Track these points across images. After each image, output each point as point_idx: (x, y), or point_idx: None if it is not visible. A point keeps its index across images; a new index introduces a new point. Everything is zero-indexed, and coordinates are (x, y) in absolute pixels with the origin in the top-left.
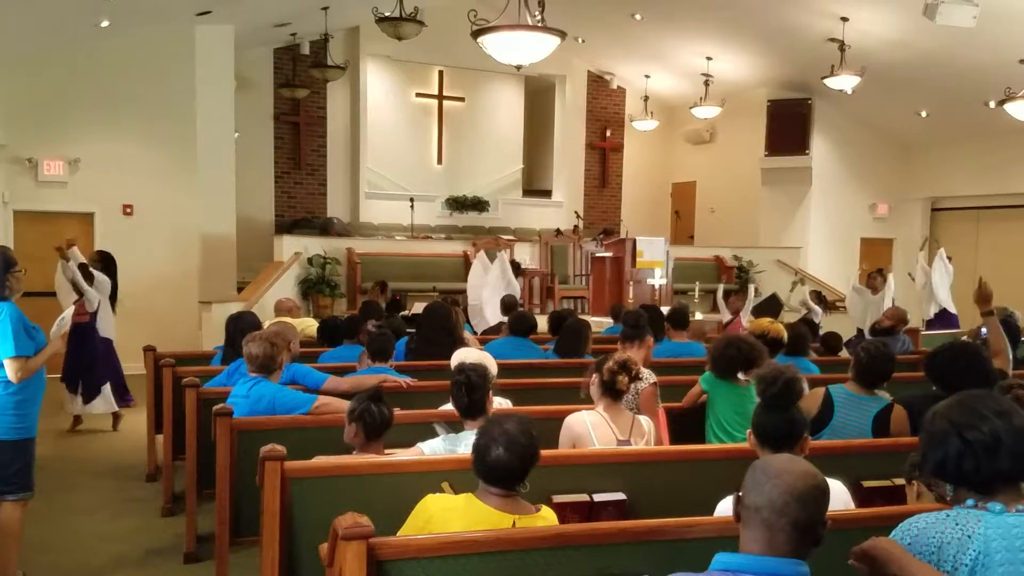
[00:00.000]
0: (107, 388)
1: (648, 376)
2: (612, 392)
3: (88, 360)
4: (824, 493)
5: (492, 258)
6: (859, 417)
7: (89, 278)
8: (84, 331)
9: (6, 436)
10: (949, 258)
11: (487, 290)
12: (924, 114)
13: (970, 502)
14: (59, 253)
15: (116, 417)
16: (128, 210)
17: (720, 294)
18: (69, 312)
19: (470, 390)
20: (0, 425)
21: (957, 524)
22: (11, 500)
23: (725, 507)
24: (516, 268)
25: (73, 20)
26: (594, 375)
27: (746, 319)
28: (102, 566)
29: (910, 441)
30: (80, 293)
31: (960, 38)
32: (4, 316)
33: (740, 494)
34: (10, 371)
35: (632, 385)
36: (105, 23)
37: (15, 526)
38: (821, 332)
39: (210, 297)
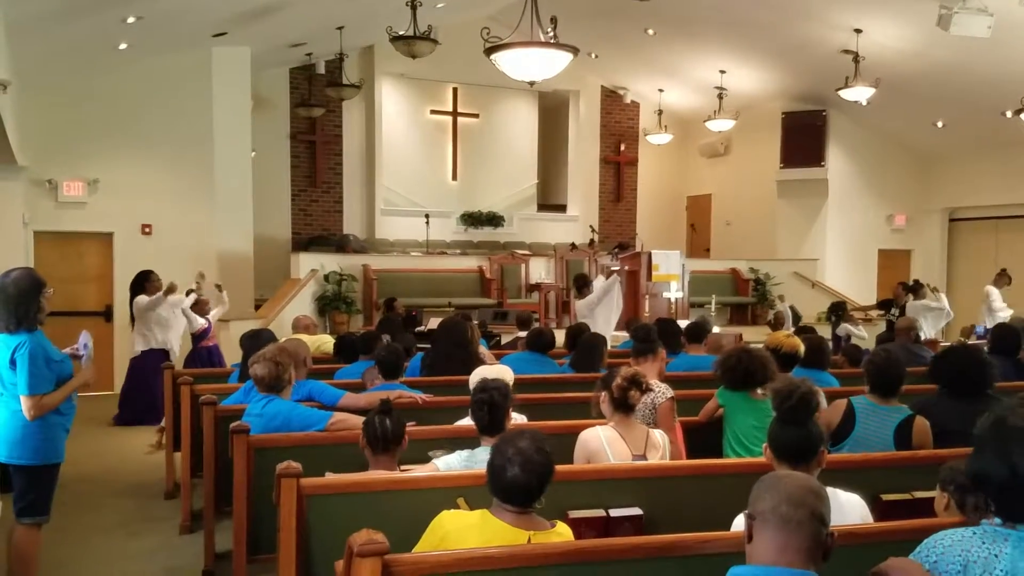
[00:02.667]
0: None
1: (665, 391)
2: (624, 407)
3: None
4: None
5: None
6: (881, 427)
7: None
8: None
9: (32, 461)
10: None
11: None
12: (940, 124)
13: (998, 520)
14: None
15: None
16: (147, 230)
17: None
18: (87, 338)
19: (492, 409)
20: (27, 449)
21: (984, 543)
22: (26, 523)
23: (742, 522)
24: (587, 281)
25: (92, 43)
26: (603, 392)
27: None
28: None
29: (929, 454)
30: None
31: (975, 48)
32: (24, 352)
33: (749, 511)
34: (25, 408)
35: (650, 400)
36: (123, 46)
37: (33, 549)
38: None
39: (228, 315)
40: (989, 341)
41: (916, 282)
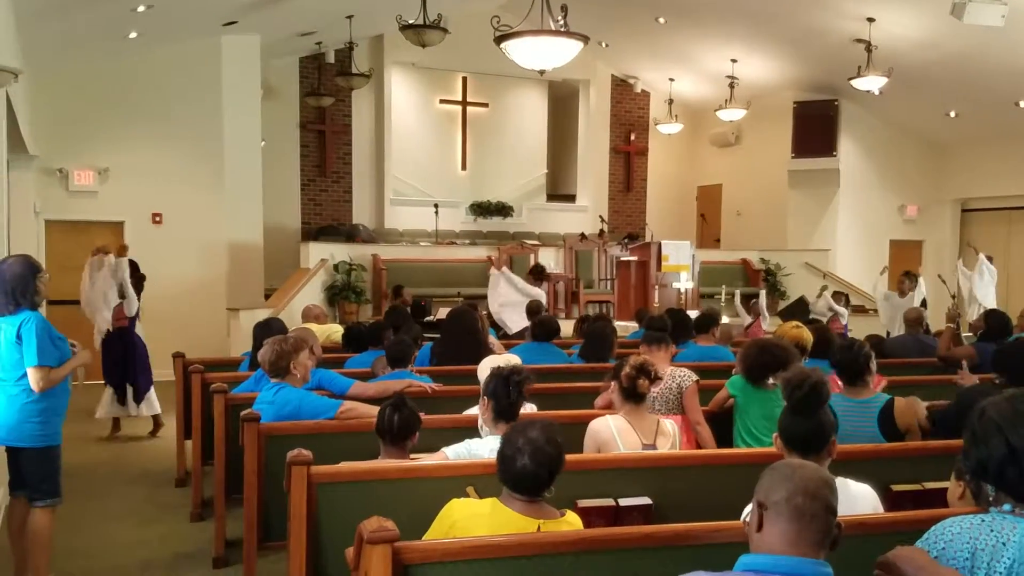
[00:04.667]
0: (152, 390)
1: (690, 374)
2: (634, 396)
3: (134, 362)
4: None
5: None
6: (863, 421)
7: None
8: (125, 335)
9: (32, 444)
10: (990, 258)
11: (501, 304)
12: (953, 114)
13: (1007, 507)
14: (99, 254)
15: (157, 422)
16: (157, 219)
17: (738, 298)
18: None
19: (519, 392)
20: (25, 433)
21: (992, 530)
22: (40, 507)
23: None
24: (540, 272)
25: (102, 32)
26: (612, 382)
27: (766, 323)
28: (132, 571)
29: (939, 444)
30: (123, 297)
31: (989, 37)
32: (31, 325)
33: (759, 500)
34: (33, 380)
35: (675, 384)
36: (133, 35)
37: (45, 532)
38: (849, 334)
39: (238, 304)
40: (983, 327)
41: (904, 274)
